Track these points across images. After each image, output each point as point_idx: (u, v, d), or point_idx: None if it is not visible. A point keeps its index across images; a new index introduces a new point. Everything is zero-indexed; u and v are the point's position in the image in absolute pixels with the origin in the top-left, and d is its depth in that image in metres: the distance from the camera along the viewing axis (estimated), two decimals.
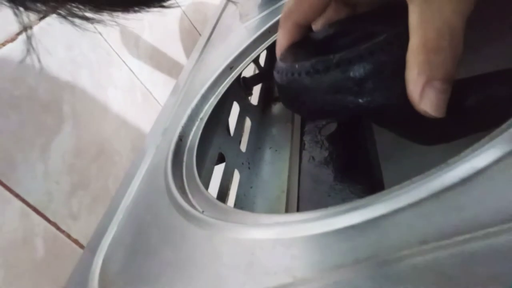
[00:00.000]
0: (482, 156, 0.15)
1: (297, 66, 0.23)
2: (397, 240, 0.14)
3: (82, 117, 0.47)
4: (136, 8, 0.17)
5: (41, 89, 0.43)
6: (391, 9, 0.23)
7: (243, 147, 0.47)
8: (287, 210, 0.35)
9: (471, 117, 0.22)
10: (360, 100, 0.21)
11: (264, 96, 0.57)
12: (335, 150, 0.31)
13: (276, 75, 0.25)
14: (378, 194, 0.17)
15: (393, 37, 0.20)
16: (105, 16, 0.17)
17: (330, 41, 0.26)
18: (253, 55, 0.43)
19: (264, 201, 0.40)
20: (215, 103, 0.39)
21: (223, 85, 0.41)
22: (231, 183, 0.41)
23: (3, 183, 0.36)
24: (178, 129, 0.35)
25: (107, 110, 0.51)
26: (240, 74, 0.43)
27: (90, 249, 0.28)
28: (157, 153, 0.35)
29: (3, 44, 0.40)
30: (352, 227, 0.16)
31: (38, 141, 0.41)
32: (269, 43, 0.43)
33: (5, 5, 0.15)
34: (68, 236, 0.40)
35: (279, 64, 0.25)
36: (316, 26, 0.29)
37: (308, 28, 0.28)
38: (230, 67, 0.42)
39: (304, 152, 0.33)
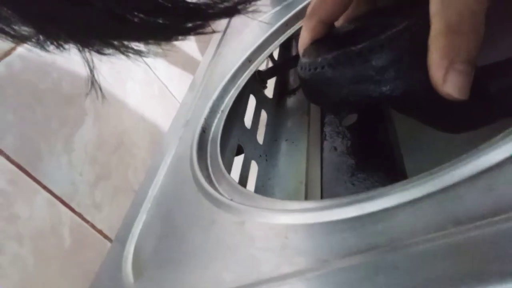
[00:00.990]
0: None
1: (319, 59, 0.24)
2: (431, 222, 0.15)
3: (103, 110, 0.48)
4: (180, 37, 0.18)
5: (64, 82, 0.44)
6: (410, 2, 0.24)
7: (259, 139, 0.47)
8: (307, 198, 0.35)
9: (496, 103, 0.22)
10: (383, 88, 0.22)
11: (279, 89, 0.58)
12: (357, 140, 0.31)
13: (299, 71, 0.26)
14: (411, 179, 0.17)
15: (412, 24, 0.21)
16: (152, 47, 0.18)
17: (351, 36, 0.27)
18: (271, 48, 0.43)
19: (282, 192, 0.41)
20: (235, 95, 0.39)
21: (242, 77, 0.41)
22: (249, 174, 0.42)
23: (30, 175, 0.37)
24: (201, 121, 0.36)
25: (125, 103, 0.52)
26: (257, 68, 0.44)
27: (121, 236, 0.29)
28: (180, 144, 0.36)
29: None
30: (385, 210, 0.17)
31: (62, 133, 0.42)
32: (287, 36, 0.43)
33: (76, 49, 0.16)
34: (93, 226, 0.41)
35: (302, 60, 0.26)
36: (338, 22, 0.29)
37: (331, 25, 0.28)
38: (249, 60, 0.43)
39: (325, 143, 0.34)
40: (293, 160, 0.44)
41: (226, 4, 0.17)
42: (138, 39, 0.18)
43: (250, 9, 0.18)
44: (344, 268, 0.16)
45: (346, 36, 0.27)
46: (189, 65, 0.67)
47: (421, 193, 0.16)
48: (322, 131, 0.36)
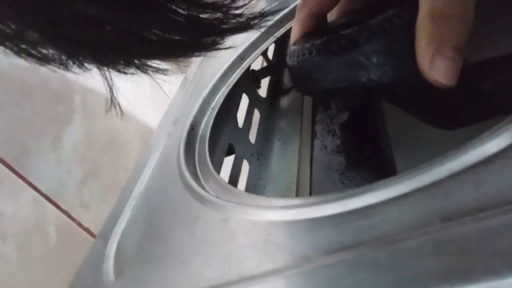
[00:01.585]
0: (504, 136, 0.15)
1: (308, 45, 0.23)
2: (417, 217, 0.15)
3: (92, 108, 0.47)
4: (196, 53, 0.18)
5: (53, 79, 0.43)
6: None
7: (252, 138, 0.47)
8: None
9: (488, 101, 0.22)
10: (372, 74, 0.21)
11: (273, 89, 0.57)
12: (348, 138, 0.31)
13: (288, 60, 0.26)
14: (398, 175, 0.17)
15: (402, 11, 0.20)
16: (170, 64, 0.18)
17: (342, 27, 0.26)
18: (264, 46, 0.43)
19: (273, 192, 0.41)
20: (226, 93, 0.39)
21: (234, 75, 0.41)
22: (240, 174, 0.42)
23: (16, 171, 0.36)
24: (190, 119, 0.35)
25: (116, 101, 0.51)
26: (249, 66, 0.43)
27: (104, 233, 0.29)
28: (168, 142, 0.35)
29: None
30: (370, 207, 0.16)
31: (50, 130, 0.41)
32: (280, 34, 0.43)
33: (99, 69, 0.17)
34: (80, 224, 0.40)
35: (291, 47, 0.25)
36: (331, 16, 0.29)
37: (323, 18, 0.28)
38: (241, 58, 0.42)
39: (316, 141, 0.34)
40: (285, 160, 0.44)
41: (239, 19, 0.17)
42: (156, 56, 0.18)
43: (263, 24, 0.18)
44: (325, 265, 0.15)
45: (338, 29, 0.26)
46: (182, 63, 0.66)
47: (406, 189, 0.16)
48: (313, 129, 0.36)
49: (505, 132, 0.15)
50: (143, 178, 0.32)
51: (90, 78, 0.46)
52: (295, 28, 0.27)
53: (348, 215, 0.17)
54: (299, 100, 0.50)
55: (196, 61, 0.51)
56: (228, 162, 0.41)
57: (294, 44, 0.26)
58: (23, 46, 0.16)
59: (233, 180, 0.39)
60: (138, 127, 0.54)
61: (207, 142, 0.33)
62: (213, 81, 0.39)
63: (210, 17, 0.16)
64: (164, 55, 0.18)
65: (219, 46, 0.18)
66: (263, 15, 0.18)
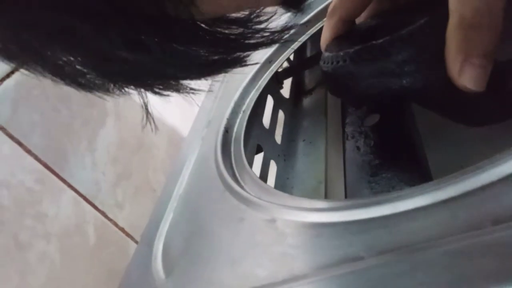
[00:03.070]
0: None
1: (342, 53, 0.24)
2: (469, 220, 0.15)
3: (123, 111, 0.49)
4: (225, 70, 0.19)
5: None
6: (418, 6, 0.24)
7: (277, 139, 0.48)
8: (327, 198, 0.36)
9: None
10: (404, 81, 0.22)
11: (295, 90, 0.58)
12: (380, 139, 0.31)
13: (322, 65, 0.27)
14: (447, 177, 0.17)
15: (433, 20, 0.21)
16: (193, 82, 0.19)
17: (372, 32, 0.27)
18: (292, 49, 0.44)
19: (301, 192, 0.41)
20: (256, 96, 0.40)
21: (262, 78, 0.42)
22: (268, 174, 0.43)
23: (57, 174, 0.38)
24: (224, 122, 0.36)
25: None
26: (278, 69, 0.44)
27: (148, 235, 0.30)
28: (204, 144, 0.36)
29: None
30: (419, 209, 0.17)
31: (86, 133, 0.43)
32: (307, 37, 0.44)
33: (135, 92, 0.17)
34: (116, 224, 0.42)
35: (325, 54, 0.26)
36: (359, 19, 0.30)
37: (352, 23, 0.29)
38: (269, 61, 0.43)
39: (347, 143, 0.34)
40: (311, 160, 0.44)
41: (263, 34, 0.17)
42: (190, 76, 0.18)
43: (286, 37, 0.19)
44: (380, 264, 0.16)
45: (368, 32, 0.27)
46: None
47: (455, 192, 0.17)
48: (343, 131, 0.36)
49: None
50: (181, 180, 0.33)
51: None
52: (326, 32, 0.28)
53: (398, 217, 0.18)
54: (323, 101, 0.51)
55: None
56: (256, 162, 0.42)
57: (327, 49, 0.27)
58: (70, 76, 0.17)
59: (263, 180, 0.40)
60: (165, 129, 0.56)
61: (242, 143, 0.34)
62: (243, 84, 0.40)
63: (235, 33, 0.16)
64: (196, 74, 0.19)
65: (245, 62, 0.19)
66: (286, 29, 0.19)
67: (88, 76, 0.17)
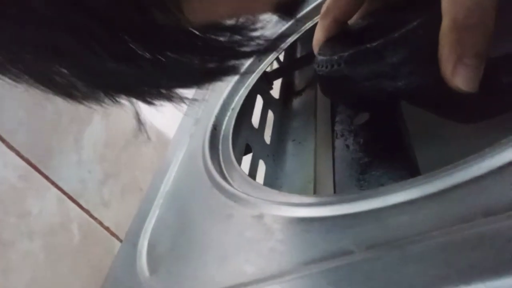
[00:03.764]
0: None
1: (336, 57, 0.24)
2: (460, 213, 0.15)
3: (111, 109, 0.48)
4: (216, 80, 0.18)
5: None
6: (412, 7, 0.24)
7: (267, 139, 0.47)
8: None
9: (508, 94, 0.23)
10: (399, 84, 0.22)
11: (285, 90, 0.58)
12: (370, 138, 0.31)
13: (316, 68, 0.26)
14: (436, 171, 0.17)
15: (425, 22, 0.21)
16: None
17: (364, 33, 0.27)
18: (282, 47, 0.43)
19: (290, 192, 0.41)
20: (245, 94, 0.40)
21: (252, 76, 0.42)
22: (257, 174, 0.42)
23: (41, 171, 0.37)
24: (212, 119, 0.36)
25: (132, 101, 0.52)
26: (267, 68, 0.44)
27: (133, 232, 0.29)
28: (192, 142, 0.36)
29: None
30: (410, 202, 0.17)
31: (72, 131, 0.42)
32: (297, 36, 0.44)
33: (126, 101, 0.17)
34: (101, 223, 0.41)
35: (319, 57, 0.26)
36: (351, 19, 0.30)
37: (345, 23, 0.29)
38: (259, 59, 0.43)
39: (337, 141, 0.34)
40: (300, 160, 0.44)
41: (258, 41, 0.17)
42: (183, 85, 0.18)
43: (281, 45, 0.19)
44: (370, 258, 0.16)
45: (360, 33, 0.27)
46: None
47: (445, 185, 0.17)
48: (333, 130, 0.36)
49: None
50: (168, 177, 0.33)
51: None
52: (319, 33, 0.28)
53: (387, 211, 0.17)
54: (312, 102, 0.51)
55: None
56: (245, 162, 0.42)
57: (321, 52, 0.27)
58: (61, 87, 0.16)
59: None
60: (153, 126, 0.55)
61: (231, 141, 0.33)
62: (232, 83, 0.40)
63: (230, 40, 0.16)
64: (189, 83, 0.18)
65: (239, 70, 0.18)
66: (282, 36, 0.18)
67: (79, 87, 0.17)
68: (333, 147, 0.35)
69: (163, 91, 0.18)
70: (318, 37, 0.29)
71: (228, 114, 0.37)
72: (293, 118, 0.52)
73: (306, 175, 0.41)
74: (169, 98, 0.19)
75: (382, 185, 0.28)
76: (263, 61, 0.43)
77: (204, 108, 0.40)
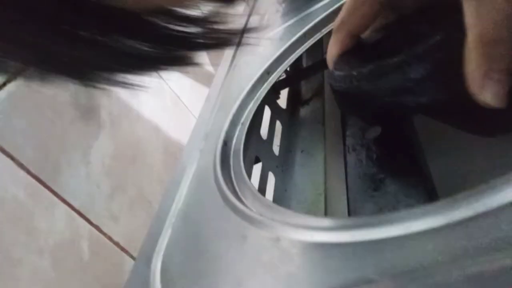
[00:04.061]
0: None
1: (355, 73, 0.24)
2: (485, 242, 0.15)
3: (118, 122, 0.48)
4: (164, 67, 0.17)
5: (81, 95, 0.44)
6: (433, 10, 0.24)
7: (275, 150, 0.47)
8: (326, 213, 0.35)
9: None
10: (422, 99, 0.22)
11: (292, 100, 0.58)
12: (383, 152, 0.31)
13: (333, 84, 0.26)
14: (462, 195, 0.17)
15: (448, 37, 0.21)
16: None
17: (381, 47, 0.27)
18: (290, 60, 0.43)
19: (300, 204, 0.41)
20: (254, 108, 0.39)
21: (261, 90, 0.41)
22: (266, 186, 0.42)
23: (50, 188, 0.37)
24: (222, 134, 0.36)
25: (139, 115, 0.52)
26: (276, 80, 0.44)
27: (146, 251, 0.29)
28: (202, 157, 0.35)
29: None
30: (434, 230, 0.17)
31: (80, 146, 0.42)
32: (306, 48, 0.43)
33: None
34: (110, 238, 0.41)
35: (335, 73, 0.26)
36: (365, 32, 0.29)
37: (359, 37, 0.29)
38: (268, 72, 0.43)
39: (348, 156, 0.34)
40: (310, 171, 0.44)
41: (219, 34, 0.16)
42: (127, 70, 0.17)
43: (244, 41, 0.18)
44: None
45: (376, 47, 0.27)
46: (200, 75, 0.67)
47: (470, 213, 0.16)
48: (344, 144, 0.36)
49: None
50: (180, 194, 0.32)
51: (116, 92, 0.46)
52: (334, 48, 0.28)
53: (410, 238, 0.17)
54: (320, 111, 0.51)
55: (219, 77, 0.52)
56: (254, 172, 0.41)
57: (337, 67, 0.26)
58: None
59: (261, 192, 0.40)
60: (160, 139, 0.55)
61: (242, 156, 0.33)
62: (242, 96, 0.40)
63: (188, 31, 0.16)
64: (134, 68, 0.18)
65: (191, 61, 0.17)
66: (243, 32, 0.18)
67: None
68: (345, 162, 0.34)
69: (106, 74, 0.17)
70: (332, 51, 0.28)
71: (238, 128, 0.37)
72: (301, 128, 0.52)
73: (316, 187, 0.41)
74: (113, 82, 0.18)
75: (398, 202, 0.27)
76: (272, 73, 0.43)
77: (213, 122, 0.40)
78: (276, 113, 0.50)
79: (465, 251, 0.15)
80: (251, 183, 0.29)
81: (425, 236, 0.17)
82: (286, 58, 0.43)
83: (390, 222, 0.18)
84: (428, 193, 0.27)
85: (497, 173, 0.17)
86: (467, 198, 0.17)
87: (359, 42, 0.28)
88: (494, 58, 0.19)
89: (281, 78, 0.56)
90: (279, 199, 0.42)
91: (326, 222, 0.22)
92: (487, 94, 0.19)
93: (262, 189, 0.40)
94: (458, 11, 0.20)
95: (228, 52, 0.59)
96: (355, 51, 0.28)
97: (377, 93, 0.23)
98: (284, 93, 0.56)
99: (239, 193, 0.29)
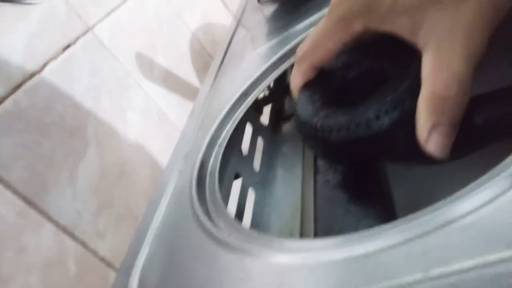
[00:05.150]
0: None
1: (325, 126, 0.26)
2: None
3: (104, 140, 0.50)
4: None
5: (68, 115, 0.46)
6: (397, 49, 0.26)
7: (256, 166, 0.49)
8: (302, 229, 0.37)
9: (481, 133, 0.24)
10: (386, 147, 0.24)
11: (274, 116, 0.60)
12: (349, 174, 0.33)
13: (301, 128, 0.28)
14: (406, 218, 0.19)
15: (411, 86, 0.23)
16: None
17: (344, 85, 0.29)
18: (267, 82, 0.45)
19: (279, 220, 0.43)
20: (232, 129, 0.41)
21: (238, 111, 0.43)
22: (246, 202, 0.44)
23: (38, 208, 0.38)
24: (200, 155, 0.38)
25: (126, 132, 0.54)
26: (254, 101, 0.46)
27: (125, 269, 0.31)
28: (180, 178, 0.37)
29: (32, 76, 0.43)
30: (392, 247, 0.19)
31: (67, 164, 0.43)
32: (282, 70, 0.46)
33: None
34: (96, 254, 0.42)
35: (302, 118, 0.28)
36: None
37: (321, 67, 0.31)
38: (245, 94, 0.45)
39: (318, 176, 0.36)
40: (289, 187, 0.46)
41: None
42: None
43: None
44: None
45: (336, 77, 0.29)
46: (187, 91, 0.69)
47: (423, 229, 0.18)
48: (315, 164, 0.38)
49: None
50: (158, 213, 0.34)
51: (102, 110, 0.48)
52: (297, 78, 0.30)
53: (372, 256, 0.19)
54: None
55: (202, 94, 0.54)
56: (236, 187, 0.43)
57: (302, 108, 0.28)
58: None
59: (241, 208, 0.42)
60: (147, 155, 0.57)
61: (217, 178, 0.35)
62: (220, 117, 0.42)
63: None
64: None
65: None
66: None
67: None
68: (315, 182, 0.36)
69: None
70: (295, 82, 0.31)
71: (216, 149, 0.39)
72: (283, 144, 0.54)
73: (294, 203, 0.43)
74: None
75: (359, 221, 0.29)
76: (249, 94, 0.45)
77: (193, 142, 0.42)
78: (258, 129, 0.52)
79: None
80: (223, 205, 0.31)
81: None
82: (263, 80, 0.46)
83: (351, 241, 0.20)
84: (388, 213, 0.29)
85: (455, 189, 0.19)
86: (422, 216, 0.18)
87: (322, 72, 0.30)
88: (442, 112, 0.21)
89: (264, 95, 0.58)
90: (259, 215, 0.44)
91: (290, 244, 0.24)
92: (432, 145, 0.21)
93: (241, 205, 0.42)
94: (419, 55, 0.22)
95: (212, 70, 0.61)
96: (317, 83, 0.30)
97: (348, 144, 0.25)
98: (267, 109, 0.58)
99: (212, 215, 0.31)
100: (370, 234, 0.20)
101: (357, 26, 0.25)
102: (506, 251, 0.15)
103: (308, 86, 0.30)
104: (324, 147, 0.27)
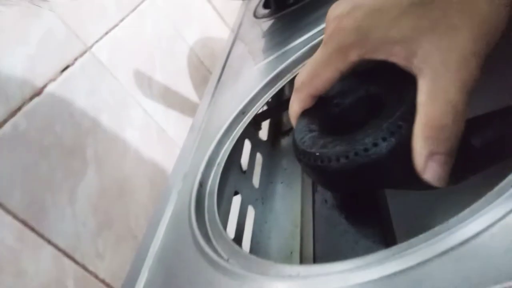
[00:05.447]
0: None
1: (324, 155, 0.26)
2: None
3: (104, 159, 0.50)
4: None
5: (67, 135, 0.46)
6: (383, 69, 0.26)
7: (255, 182, 0.49)
8: (301, 247, 0.37)
9: (479, 156, 0.24)
10: (386, 175, 0.24)
11: (273, 131, 0.60)
12: (346, 194, 0.33)
13: (299, 156, 0.28)
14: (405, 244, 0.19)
15: (408, 112, 0.23)
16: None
17: (337, 104, 0.29)
18: (264, 99, 0.46)
19: (278, 237, 0.43)
20: (230, 147, 0.41)
21: (236, 129, 0.44)
22: (245, 220, 0.44)
23: (36, 231, 0.38)
24: (198, 176, 0.38)
25: (126, 150, 0.54)
26: (252, 119, 0.46)
27: None
28: (179, 199, 0.37)
29: (31, 99, 0.44)
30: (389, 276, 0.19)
31: (66, 185, 0.44)
32: (278, 88, 0.46)
33: None
34: (96, 276, 0.42)
35: (300, 146, 0.28)
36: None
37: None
38: (243, 112, 0.45)
39: (316, 195, 0.36)
40: (288, 203, 0.46)
41: None
42: None
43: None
44: None
45: (338, 113, 0.29)
46: (186, 106, 0.70)
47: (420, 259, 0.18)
48: (313, 183, 0.38)
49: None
50: (157, 236, 0.34)
51: (101, 129, 0.48)
52: (296, 106, 0.30)
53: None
54: None
55: (201, 110, 0.54)
56: (236, 203, 0.43)
57: (301, 137, 0.28)
58: None
59: (240, 227, 0.42)
60: (147, 173, 0.57)
61: (216, 199, 0.35)
62: (218, 136, 0.42)
63: None
64: None
65: None
66: None
67: None
68: (313, 201, 0.36)
69: None
70: (294, 109, 0.31)
71: (214, 169, 0.39)
72: (282, 159, 0.54)
73: (294, 219, 0.43)
74: None
75: (357, 242, 0.29)
76: (247, 113, 0.45)
77: (191, 163, 0.42)
78: (257, 145, 0.52)
79: None
80: (222, 227, 0.31)
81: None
82: (260, 99, 0.46)
83: (348, 270, 0.20)
84: (385, 233, 0.29)
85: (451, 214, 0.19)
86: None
87: (320, 99, 0.30)
88: (438, 141, 0.21)
89: (263, 110, 0.58)
90: (259, 232, 0.43)
91: (287, 270, 0.24)
92: (429, 174, 0.21)
93: (241, 224, 0.42)
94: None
95: (210, 85, 0.61)
96: (317, 113, 0.30)
97: (346, 172, 0.25)
98: (265, 124, 0.59)
99: (211, 237, 0.31)
100: (368, 263, 0.20)
101: (353, 56, 0.25)
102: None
103: (306, 114, 0.30)
104: (323, 176, 0.27)
